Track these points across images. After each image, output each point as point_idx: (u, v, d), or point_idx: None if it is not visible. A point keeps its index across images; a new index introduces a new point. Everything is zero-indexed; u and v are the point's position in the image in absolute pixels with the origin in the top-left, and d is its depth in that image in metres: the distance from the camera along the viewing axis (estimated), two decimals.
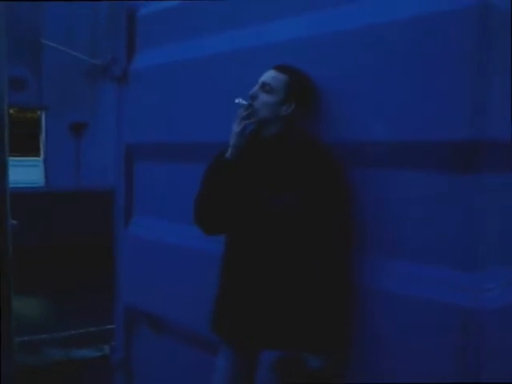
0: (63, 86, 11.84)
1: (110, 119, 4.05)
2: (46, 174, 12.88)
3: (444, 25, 2.45)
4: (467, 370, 2.42)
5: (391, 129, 2.63)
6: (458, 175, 2.46)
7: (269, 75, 2.72)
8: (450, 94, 2.44)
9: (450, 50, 2.43)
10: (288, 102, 2.70)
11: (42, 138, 12.94)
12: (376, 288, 2.67)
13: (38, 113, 12.21)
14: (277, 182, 2.64)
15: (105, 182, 9.02)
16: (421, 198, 2.56)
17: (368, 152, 2.72)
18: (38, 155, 13.00)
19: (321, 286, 2.59)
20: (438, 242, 2.51)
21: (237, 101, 2.69)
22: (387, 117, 2.64)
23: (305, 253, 2.61)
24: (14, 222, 4.52)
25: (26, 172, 12.23)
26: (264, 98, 2.69)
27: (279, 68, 2.73)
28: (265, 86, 2.70)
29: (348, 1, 2.82)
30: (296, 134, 2.70)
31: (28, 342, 5.51)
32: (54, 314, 5.20)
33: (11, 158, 4.29)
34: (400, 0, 2.62)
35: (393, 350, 2.63)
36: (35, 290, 4.89)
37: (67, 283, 7.27)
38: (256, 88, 2.72)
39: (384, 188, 2.66)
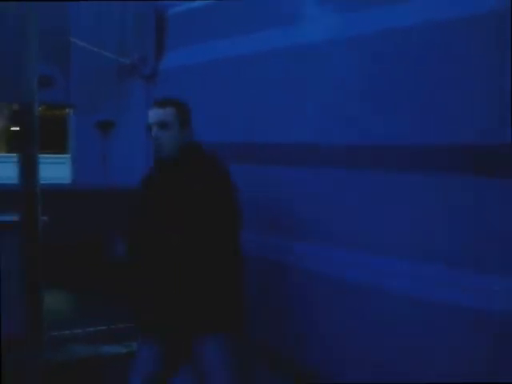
0: (91, 84, 11.90)
1: (138, 118, 4.07)
2: (74, 172, 12.99)
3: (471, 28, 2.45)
4: None
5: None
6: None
7: (159, 113, 3.14)
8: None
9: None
10: (183, 128, 3.18)
11: (70, 135, 13.04)
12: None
13: (66, 110, 12.31)
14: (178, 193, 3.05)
15: (131, 179, 9.07)
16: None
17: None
18: (65, 152, 13.09)
19: (220, 276, 3.06)
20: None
21: None
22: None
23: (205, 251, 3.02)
24: (44, 218, 4.58)
25: (53, 169, 12.34)
26: (165, 134, 3.13)
27: (162, 103, 3.16)
28: (163, 125, 3.13)
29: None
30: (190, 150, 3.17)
31: (55, 337, 5.55)
32: (81, 311, 5.23)
33: (40, 155, 4.35)
34: (431, 4, 2.62)
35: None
36: (63, 287, 4.93)
37: (95, 280, 7.31)
38: (155, 129, 3.12)
39: (417, 192, 2.68)
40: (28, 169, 4.41)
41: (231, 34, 3.58)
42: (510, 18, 2.40)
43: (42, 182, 4.41)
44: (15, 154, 4.49)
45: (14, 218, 4.90)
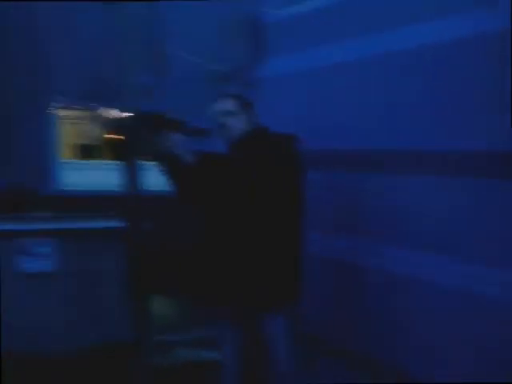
0: (186, 92, 12.10)
1: None
2: None
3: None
4: None
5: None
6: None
7: (221, 105, 3.52)
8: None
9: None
10: (245, 114, 3.48)
11: None
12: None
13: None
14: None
15: None
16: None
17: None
18: None
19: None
20: None
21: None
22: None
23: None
24: (149, 225, 4.69)
25: (155, 175, 12.56)
26: (228, 120, 3.46)
27: (223, 97, 3.54)
28: (225, 113, 3.47)
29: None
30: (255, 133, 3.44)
31: (160, 342, 5.67)
32: (185, 316, 5.32)
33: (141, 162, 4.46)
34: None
35: None
36: (167, 292, 5.04)
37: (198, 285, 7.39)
38: (220, 118, 3.48)
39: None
40: (131, 176, 4.52)
41: (331, 41, 3.60)
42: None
43: (145, 188, 4.51)
44: (118, 162, 4.60)
45: (119, 224, 5.05)
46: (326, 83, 3.58)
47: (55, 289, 5.51)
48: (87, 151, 14.97)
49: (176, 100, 12.27)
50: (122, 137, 3.58)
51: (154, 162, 4.06)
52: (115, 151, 3.40)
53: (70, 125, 13.60)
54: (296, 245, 3.39)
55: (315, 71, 3.64)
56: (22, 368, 5.50)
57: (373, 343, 3.57)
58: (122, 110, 4.51)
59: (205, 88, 12.32)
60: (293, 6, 4.11)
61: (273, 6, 4.63)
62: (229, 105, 3.51)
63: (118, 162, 4.65)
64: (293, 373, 3.41)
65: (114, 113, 3.45)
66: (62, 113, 12.57)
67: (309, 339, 3.87)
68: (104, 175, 12.21)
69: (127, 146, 3.51)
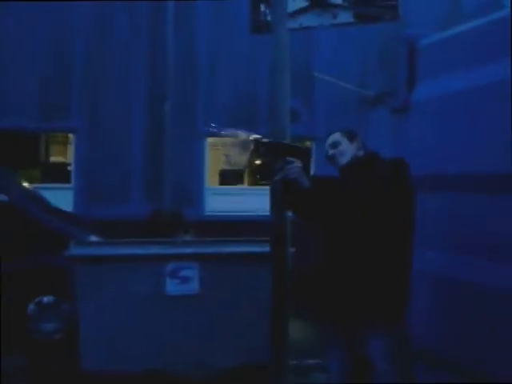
0: (334, 116, 12.12)
1: (381, 150, 4.08)
2: None
3: None
4: None
5: None
6: None
7: (329, 138, 3.81)
8: None
9: None
10: (352, 143, 3.78)
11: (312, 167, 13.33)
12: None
13: (309, 143, 12.63)
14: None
15: None
16: None
17: None
18: None
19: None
20: None
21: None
22: None
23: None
24: (292, 249, 4.70)
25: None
26: (337, 151, 3.77)
27: (330, 132, 3.84)
28: (334, 145, 3.78)
29: None
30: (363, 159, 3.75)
31: (297, 365, 5.66)
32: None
33: None
34: None
35: None
36: (303, 315, 5.04)
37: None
38: (330, 151, 3.78)
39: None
40: (277, 201, 4.54)
41: (484, 63, 3.47)
42: None
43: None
44: (266, 187, 4.65)
45: (264, 248, 5.10)
46: (479, 104, 3.47)
47: (198, 311, 5.59)
48: (233, 176, 15.32)
49: (323, 123, 12.34)
50: (265, 161, 3.72)
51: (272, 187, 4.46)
52: (260, 176, 3.45)
53: (217, 150, 14.00)
54: (403, 264, 3.58)
55: (469, 92, 3.53)
56: None
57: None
58: (270, 135, 4.53)
59: (352, 113, 12.33)
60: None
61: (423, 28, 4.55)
62: (336, 137, 3.81)
63: (264, 187, 4.69)
64: None
65: (257, 137, 3.52)
66: (211, 139, 12.98)
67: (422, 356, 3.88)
68: (249, 200, 12.47)
69: (270, 170, 3.57)
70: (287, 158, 3.46)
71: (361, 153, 3.77)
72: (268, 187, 4.70)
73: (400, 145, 4.17)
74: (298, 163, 3.49)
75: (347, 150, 3.76)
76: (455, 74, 3.68)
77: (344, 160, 3.74)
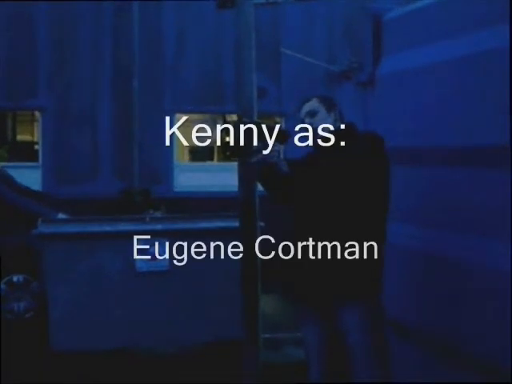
0: (301, 92, 12.11)
1: None
2: None
3: None
4: None
5: None
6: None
7: (306, 106, 3.60)
8: None
9: None
10: (329, 113, 3.59)
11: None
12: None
13: (278, 120, 12.62)
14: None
15: None
16: None
17: None
18: None
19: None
20: None
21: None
22: None
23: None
24: (262, 224, 4.71)
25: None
26: (315, 120, 3.56)
27: (307, 99, 3.63)
28: (311, 114, 3.56)
29: None
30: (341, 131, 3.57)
31: (270, 339, 5.71)
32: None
33: None
34: None
35: None
36: (277, 291, 5.07)
37: None
38: (306, 119, 3.58)
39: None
40: (246, 176, 4.54)
41: (449, 36, 3.49)
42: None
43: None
44: (234, 163, 4.64)
45: (233, 224, 5.10)
46: (437, 81, 3.50)
47: (169, 287, 5.61)
48: (201, 153, 15.30)
49: (290, 100, 12.32)
50: (235, 139, 3.61)
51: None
52: (229, 152, 3.39)
53: (185, 128, 13.95)
54: (379, 237, 3.50)
55: (428, 69, 3.56)
56: (135, 364, 5.65)
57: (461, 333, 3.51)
58: (238, 113, 4.52)
59: (318, 88, 12.33)
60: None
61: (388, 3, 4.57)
62: (314, 106, 3.60)
63: (232, 163, 4.68)
64: (372, 361, 3.47)
65: (229, 116, 3.47)
66: (180, 117, 12.93)
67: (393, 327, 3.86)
68: (217, 177, 12.47)
69: (241, 148, 3.51)
70: (267, 140, 3.27)
71: (339, 125, 3.56)
72: (236, 163, 4.69)
73: (367, 119, 4.19)
74: (277, 147, 3.32)
75: (325, 120, 3.54)
76: (420, 48, 3.70)
77: (322, 133, 3.51)
